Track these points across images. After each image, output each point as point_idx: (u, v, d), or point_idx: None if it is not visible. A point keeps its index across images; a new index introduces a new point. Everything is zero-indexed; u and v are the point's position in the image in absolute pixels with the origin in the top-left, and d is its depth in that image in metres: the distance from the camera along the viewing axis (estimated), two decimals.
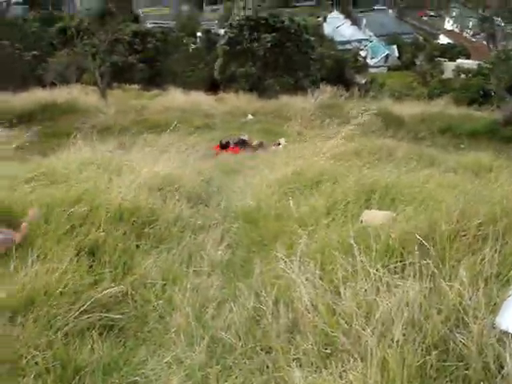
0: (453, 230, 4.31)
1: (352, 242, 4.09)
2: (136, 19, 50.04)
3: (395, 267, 3.91)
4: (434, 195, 5.46)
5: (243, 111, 19.58)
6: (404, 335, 3.23)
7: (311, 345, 3.38)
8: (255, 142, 15.24)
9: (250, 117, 18.75)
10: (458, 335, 3.26)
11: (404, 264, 3.93)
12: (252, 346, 3.57)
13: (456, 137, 16.43)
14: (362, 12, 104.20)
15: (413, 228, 4.33)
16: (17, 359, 3.36)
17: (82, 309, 3.83)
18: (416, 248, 4.02)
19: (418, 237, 4.08)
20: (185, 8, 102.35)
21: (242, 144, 15.28)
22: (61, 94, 22.70)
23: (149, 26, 59.44)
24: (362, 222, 5.04)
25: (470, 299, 3.44)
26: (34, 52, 38.77)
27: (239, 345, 3.57)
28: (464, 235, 4.30)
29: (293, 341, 3.51)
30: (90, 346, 3.61)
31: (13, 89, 25.09)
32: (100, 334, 3.80)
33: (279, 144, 14.27)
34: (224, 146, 14.97)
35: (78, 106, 19.85)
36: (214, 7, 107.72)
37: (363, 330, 3.30)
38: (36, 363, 3.34)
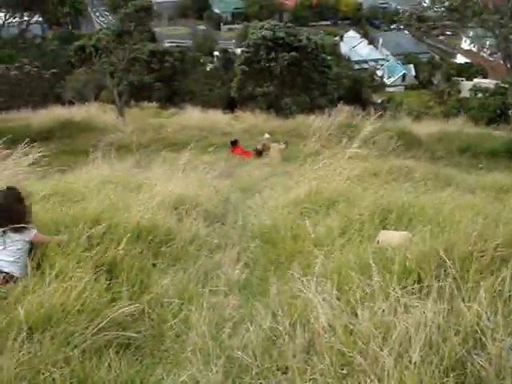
0: (471, 251, 4.29)
1: (370, 262, 4.08)
2: (153, 38, 50.50)
3: (413, 288, 3.89)
4: (451, 216, 5.43)
5: (260, 130, 19.61)
6: (421, 356, 3.21)
7: (328, 365, 3.36)
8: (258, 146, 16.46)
9: (266, 135, 18.78)
10: (475, 357, 3.24)
11: (422, 285, 3.91)
12: (268, 366, 3.55)
13: (474, 156, 16.33)
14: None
15: (430, 249, 4.31)
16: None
17: (99, 326, 3.85)
18: (434, 269, 4.01)
19: (436, 258, 4.07)
20: (202, 27, 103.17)
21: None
22: (79, 112, 22.93)
23: (166, 45, 59.94)
24: (378, 242, 5.02)
25: (489, 320, 3.42)
26: (53, 70, 39.20)
27: (255, 365, 3.56)
28: (482, 256, 4.28)
29: (309, 361, 3.49)
30: (107, 364, 3.62)
31: (32, 106, 25.39)
32: (117, 352, 3.81)
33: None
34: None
35: (96, 124, 20.02)
36: (231, 26, 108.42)
37: (380, 350, 3.28)
38: (53, 380, 3.35)
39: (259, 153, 16.78)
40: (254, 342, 3.72)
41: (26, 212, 4.84)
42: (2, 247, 4.60)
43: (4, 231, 4.61)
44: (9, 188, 5.00)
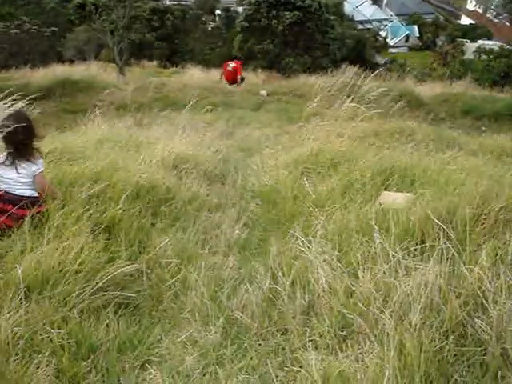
0: (474, 214, 4.24)
1: (371, 223, 4.04)
2: None
3: (414, 250, 3.86)
4: (454, 178, 5.38)
5: (261, 89, 19.44)
6: (422, 319, 3.18)
7: (327, 327, 3.35)
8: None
9: (262, 92, 18.70)
10: (476, 320, 3.21)
11: (423, 247, 3.87)
12: (268, 327, 3.53)
13: (477, 119, 16.19)
14: None
15: (433, 211, 4.26)
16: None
17: (97, 286, 3.81)
18: (436, 231, 3.96)
19: (438, 220, 4.03)
20: None
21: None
22: (79, 71, 22.68)
23: (168, 3, 59.21)
24: (380, 203, 4.97)
25: (490, 284, 3.38)
26: (53, 28, 38.78)
27: (255, 326, 3.54)
28: (485, 219, 4.24)
29: (309, 323, 3.47)
30: (105, 324, 3.60)
31: (31, 65, 25.16)
32: (115, 313, 3.79)
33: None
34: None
35: (96, 83, 19.77)
36: None
37: (381, 312, 3.26)
38: (51, 340, 3.32)
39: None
40: (253, 303, 3.69)
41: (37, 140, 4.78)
42: (15, 174, 4.58)
43: (15, 158, 4.57)
44: (19, 113, 4.94)
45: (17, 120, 4.58)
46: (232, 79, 20.32)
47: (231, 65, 20.49)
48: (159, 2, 50.67)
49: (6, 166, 4.57)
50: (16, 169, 4.57)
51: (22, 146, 4.59)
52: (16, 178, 4.58)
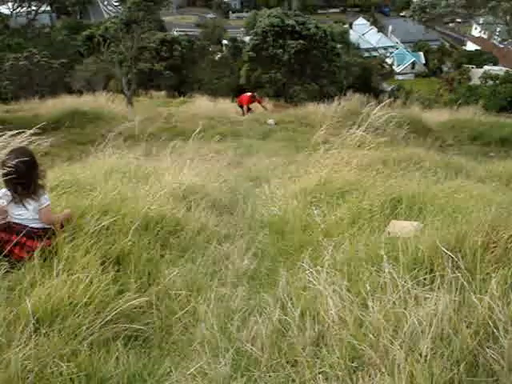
0: (483, 242, 4.23)
1: (381, 252, 4.04)
2: (162, 27, 50.46)
3: (424, 279, 3.85)
4: (463, 206, 5.37)
5: (269, 118, 19.53)
6: (432, 349, 3.17)
7: (337, 358, 3.33)
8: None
9: (270, 121, 18.81)
10: (488, 350, 3.19)
11: (433, 276, 3.86)
12: (277, 358, 3.52)
13: (485, 145, 16.17)
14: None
15: (441, 239, 4.26)
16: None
17: (107, 319, 3.82)
18: (445, 260, 3.95)
19: (447, 249, 4.02)
20: (210, 16, 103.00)
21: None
22: (87, 102, 22.88)
23: (175, 33, 59.85)
24: (388, 232, 4.97)
25: (501, 313, 3.37)
26: (62, 60, 39.24)
27: (264, 357, 3.53)
28: (494, 247, 4.22)
29: (319, 354, 3.45)
30: (115, 357, 3.60)
31: (40, 96, 25.42)
32: (125, 345, 3.79)
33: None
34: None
35: (105, 113, 19.94)
36: (240, 14, 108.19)
37: (391, 343, 3.25)
38: (61, 373, 3.32)
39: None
40: (262, 335, 3.68)
41: (40, 176, 4.76)
42: (24, 210, 4.61)
43: (20, 196, 4.59)
44: (21, 149, 4.95)
45: (19, 157, 4.60)
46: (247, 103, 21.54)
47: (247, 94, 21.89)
48: (167, 32, 51.30)
49: (14, 203, 4.61)
50: (24, 206, 4.61)
51: (25, 183, 4.60)
52: (26, 215, 4.61)
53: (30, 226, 4.63)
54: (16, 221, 4.63)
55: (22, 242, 4.54)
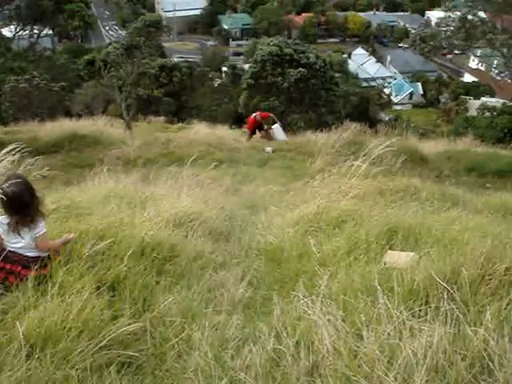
0: (478, 274, 4.24)
1: (375, 284, 4.04)
2: (162, 53, 50.87)
3: (419, 311, 3.84)
4: (458, 237, 5.38)
5: (267, 145, 19.59)
6: (427, 381, 3.17)
7: None
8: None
9: (268, 149, 18.89)
10: (482, 383, 3.18)
11: (428, 308, 3.86)
12: None
13: (481, 176, 16.22)
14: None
15: (437, 271, 4.26)
16: None
17: (100, 345, 3.80)
18: (440, 291, 3.96)
19: (442, 281, 4.03)
20: (210, 43, 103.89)
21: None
22: (86, 125, 22.96)
23: (175, 59, 60.31)
24: (384, 263, 4.98)
25: (496, 346, 3.37)
26: (62, 83, 39.51)
27: None
28: (490, 279, 4.23)
29: None
30: (108, 383, 3.58)
31: (40, 119, 25.52)
32: (118, 372, 3.76)
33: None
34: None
35: (103, 138, 19.99)
36: (240, 42, 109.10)
37: (385, 374, 3.24)
38: None
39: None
40: (257, 364, 3.66)
41: (37, 204, 4.72)
42: (20, 239, 4.59)
43: (17, 224, 4.56)
44: (17, 176, 4.93)
45: (16, 185, 4.60)
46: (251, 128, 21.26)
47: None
48: (167, 58, 51.69)
49: (11, 231, 4.59)
50: (20, 235, 4.58)
51: (22, 211, 4.57)
52: (22, 244, 4.60)
53: (25, 254, 4.60)
54: (12, 249, 4.62)
55: (17, 271, 4.52)
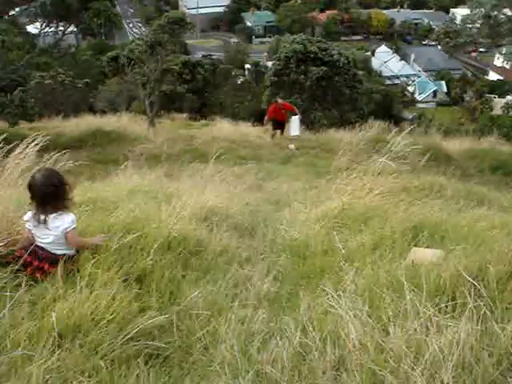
0: (506, 272, 4.22)
1: (402, 280, 4.04)
2: (186, 50, 51.03)
3: (446, 307, 3.83)
4: (485, 235, 5.36)
5: (290, 143, 19.58)
6: (454, 377, 3.15)
7: (358, 383, 3.32)
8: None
9: (291, 146, 18.89)
10: (510, 380, 3.18)
11: (455, 304, 3.85)
12: (297, 381, 3.51)
13: (506, 175, 16.09)
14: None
15: (464, 268, 4.24)
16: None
17: (128, 336, 3.85)
18: (467, 288, 3.94)
19: (469, 278, 4.01)
20: (233, 40, 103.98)
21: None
22: (110, 122, 23.14)
23: (199, 56, 60.46)
24: (411, 260, 4.96)
25: None
26: (86, 80, 39.82)
27: (285, 380, 3.52)
28: None
29: (339, 378, 3.44)
30: (135, 374, 3.62)
31: (64, 115, 25.77)
32: (146, 363, 3.80)
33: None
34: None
35: (127, 134, 20.16)
36: (263, 39, 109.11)
37: (412, 370, 3.23)
38: None
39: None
40: (283, 357, 3.67)
41: (65, 195, 4.72)
42: (48, 231, 4.61)
43: (44, 213, 4.60)
44: (47, 168, 4.99)
45: (44, 173, 4.67)
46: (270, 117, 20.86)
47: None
48: (190, 55, 51.82)
49: (38, 223, 4.62)
50: (48, 225, 4.60)
51: (48, 198, 4.58)
52: (51, 238, 4.63)
53: (53, 252, 4.65)
54: (40, 244, 4.66)
55: (45, 269, 4.57)
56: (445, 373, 3.16)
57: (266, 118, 21.37)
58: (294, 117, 20.57)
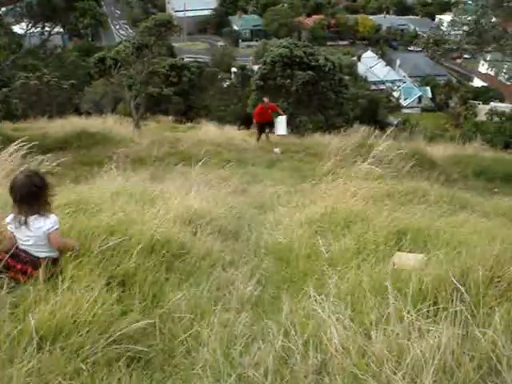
0: (487, 277, 4.25)
1: (384, 284, 4.06)
2: (172, 53, 50.99)
3: (428, 311, 3.86)
4: (467, 240, 5.40)
5: (275, 147, 19.62)
6: (435, 381, 3.18)
7: None
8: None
9: (276, 150, 18.93)
10: None
11: (437, 309, 3.87)
12: None
13: (489, 180, 16.19)
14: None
15: (446, 272, 4.27)
16: None
17: (110, 339, 3.83)
18: (449, 293, 3.97)
19: (452, 281, 4.04)
20: (220, 43, 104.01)
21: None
22: (95, 123, 23.07)
23: (185, 59, 60.39)
24: (393, 264, 4.99)
25: (504, 347, 3.38)
26: (72, 81, 39.66)
27: None
28: (498, 282, 4.24)
29: (321, 382, 3.46)
30: (117, 378, 3.60)
31: (49, 116, 25.64)
32: (127, 366, 3.78)
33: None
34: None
35: (112, 136, 20.08)
36: (250, 43, 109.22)
37: (394, 374, 3.25)
38: None
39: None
40: (265, 361, 3.67)
41: (46, 196, 4.69)
42: (29, 232, 4.57)
43: (25, 213, 4.55)
44: (30, 170, 4.97)
45: (26, 175, 4.64)
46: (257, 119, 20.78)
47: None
48: (177, 58, 51.77)
49: (20, 224, 4.58)
50: (29, 227, 4.56)
51: (29, 199, 4.54)
52: (32, 240, 4.60)
53: (36, 255, 4.61)
54: (22, 247, 4.63)
55: (28, 272, 4.54)
56: (426, 377, 3.19)
57: (253, 122, 21.34)
58: (280, 117, 20.56)
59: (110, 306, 4.14)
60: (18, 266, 4.53)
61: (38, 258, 4.60)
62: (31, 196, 4.54)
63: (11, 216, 4.63)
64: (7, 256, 4.50)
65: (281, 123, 20.38)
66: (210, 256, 5.93)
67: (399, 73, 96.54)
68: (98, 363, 3.68)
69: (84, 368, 3.55)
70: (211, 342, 4.05)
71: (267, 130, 20.72)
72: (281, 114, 20.89)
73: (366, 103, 47.48)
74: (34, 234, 4.57)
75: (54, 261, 4.65)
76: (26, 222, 4.54)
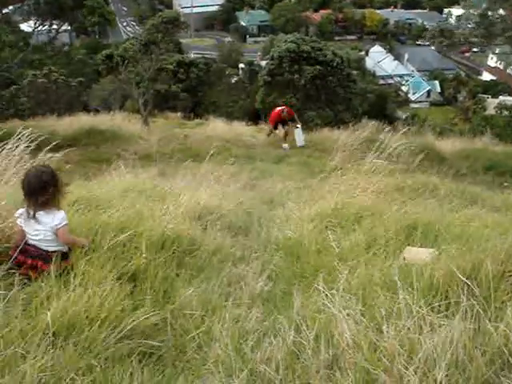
0: (498, 271, 4.23)
1: (395, 279, 4.05)
2: (180, 49, 50.96)
3: (439, 306, 3.84)
4: (478, 234, 5.37)
5: (283, 142, 19.59)
6: (447, 376, 3.16)
7: (351, 382, 3.32)
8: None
9: (284, 146, 18.92)
10: (503, 379, 3.19)
11: (448, 303, 3.86)
12: (291, 380, 3.51)
13: (499, 175, 16.11)
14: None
15: (457, 267, 4.26)
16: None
17: (122, 334, 3.84)
18: (460, 287, 3.96)
19: (462, 277, 4.03)
20: (227, 39, 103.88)
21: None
22: (104, 121, 23.08)
23: (192, 56, 60.36)
24: (404, 258, 4.98)
25: None
26: (80, 78, 39.73)
27: (278, 379, 3.52)
28: (510, 276, 4.22)
29: (332, 377, 3.44)
30: (129, 373, 3.61)
31: (57, 114, 25.68)
32: (139, 361, 3.80)
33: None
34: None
35: (121, 133, 20.09)
36: (257, 39, 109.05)
37: (405, 368, 3.24)
38: None
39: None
40: (277, 356, 3.67)
41: (56, 192, 4.68)
42: (39, 226, 4.58)
43: (34, 213, 4.57)
44: (42, 165, 4.99)
45: (37, 169, 4.68)
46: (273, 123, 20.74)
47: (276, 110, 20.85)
48: (184, 54, 51.74)
49: (29, 219, 4.60)
50: (38, 222, 4.58)
51: (38, 193, 4.54)
52: (42, 234, 4.60)
53: (45, 249, 4.62)
54: (31, 242, 4.64)
55: (38, 266, 4.55)
56: (438, 371, 3.17)
57: (270, 126, 21.25)
58: (296, 130, 20.20)
59: (121, 302, 4.15)
60: (29, 261, 4.54)
61: (48, 251, 4.61)
62: (40, 190, 4.55)
63: (21, 210, 4.65)
64: (17, 251, 4.52)
65: (299, 135, 20.14)
66: (221, 252, 5.94)
67: (407, 67, 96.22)
68: (110, 359, 3.69)
69: (96, 364, 3.57)
70: (223, 337, 4.06)
71: (286, 127, 20.41)
72: (297, 121, 20.61)
73: (374, 98, 47.33)
74: (42, 228, 4.58)
75: (64, 255, 4.66)
76: (34, 216, 4.56)
